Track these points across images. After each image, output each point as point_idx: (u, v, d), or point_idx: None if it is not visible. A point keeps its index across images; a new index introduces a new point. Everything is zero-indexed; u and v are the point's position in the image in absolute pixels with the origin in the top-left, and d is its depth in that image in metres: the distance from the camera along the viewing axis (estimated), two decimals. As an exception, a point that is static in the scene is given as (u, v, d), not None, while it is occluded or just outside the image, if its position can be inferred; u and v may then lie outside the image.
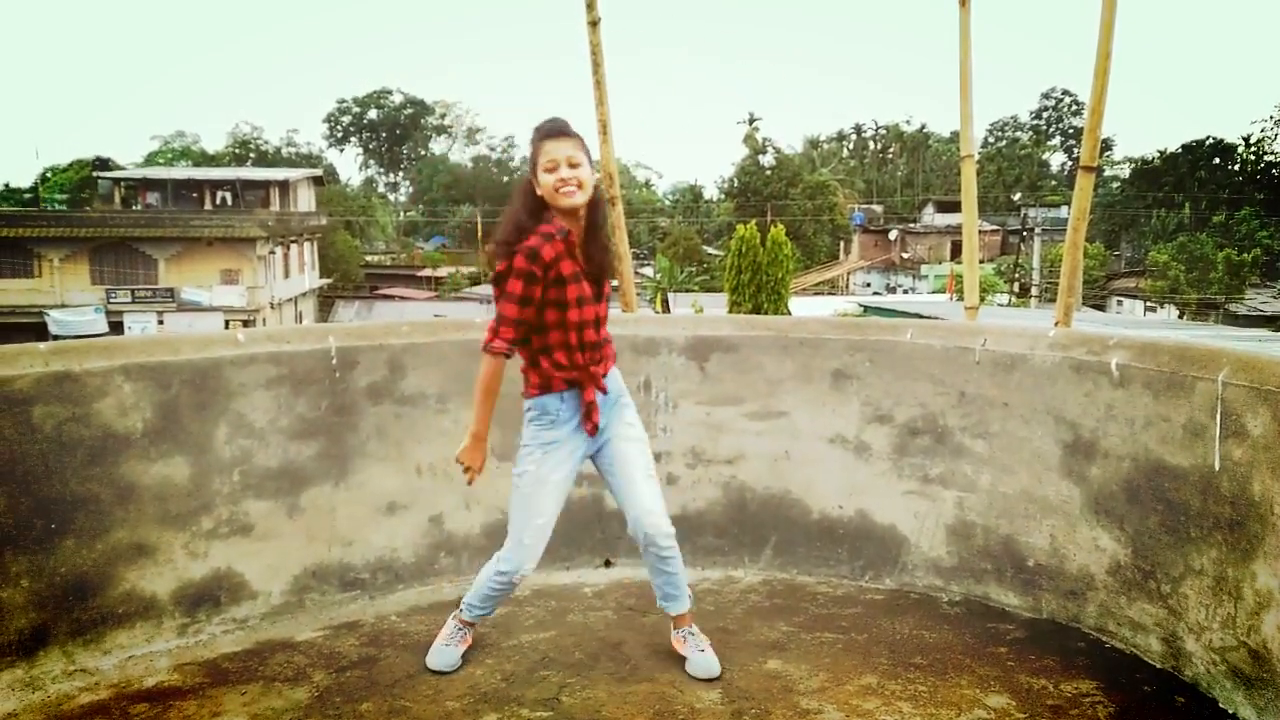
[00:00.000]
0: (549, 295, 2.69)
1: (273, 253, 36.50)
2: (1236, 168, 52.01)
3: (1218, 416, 2.78)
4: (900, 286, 52.75)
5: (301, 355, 3.43)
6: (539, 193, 2.70)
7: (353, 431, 3.52)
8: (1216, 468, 2.78)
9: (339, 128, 75.59)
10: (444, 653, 2.99)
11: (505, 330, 2.68)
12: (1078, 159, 4.09)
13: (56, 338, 29.70)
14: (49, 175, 59.71)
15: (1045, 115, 74.32)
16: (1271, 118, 52.61)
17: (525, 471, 2.82)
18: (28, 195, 55.81)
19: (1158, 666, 2.97)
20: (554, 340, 2.74)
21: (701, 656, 2.94)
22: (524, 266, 2.63)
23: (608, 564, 3.77)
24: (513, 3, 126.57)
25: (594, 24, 4.22)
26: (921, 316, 22.04)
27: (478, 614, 3.02)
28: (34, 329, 31.19)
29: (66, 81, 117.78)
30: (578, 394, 2.80)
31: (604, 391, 2.83)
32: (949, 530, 3.59)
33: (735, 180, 56.35)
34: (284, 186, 43.63)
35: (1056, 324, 3.98)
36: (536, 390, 2.80)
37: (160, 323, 33.52)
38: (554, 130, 2.70)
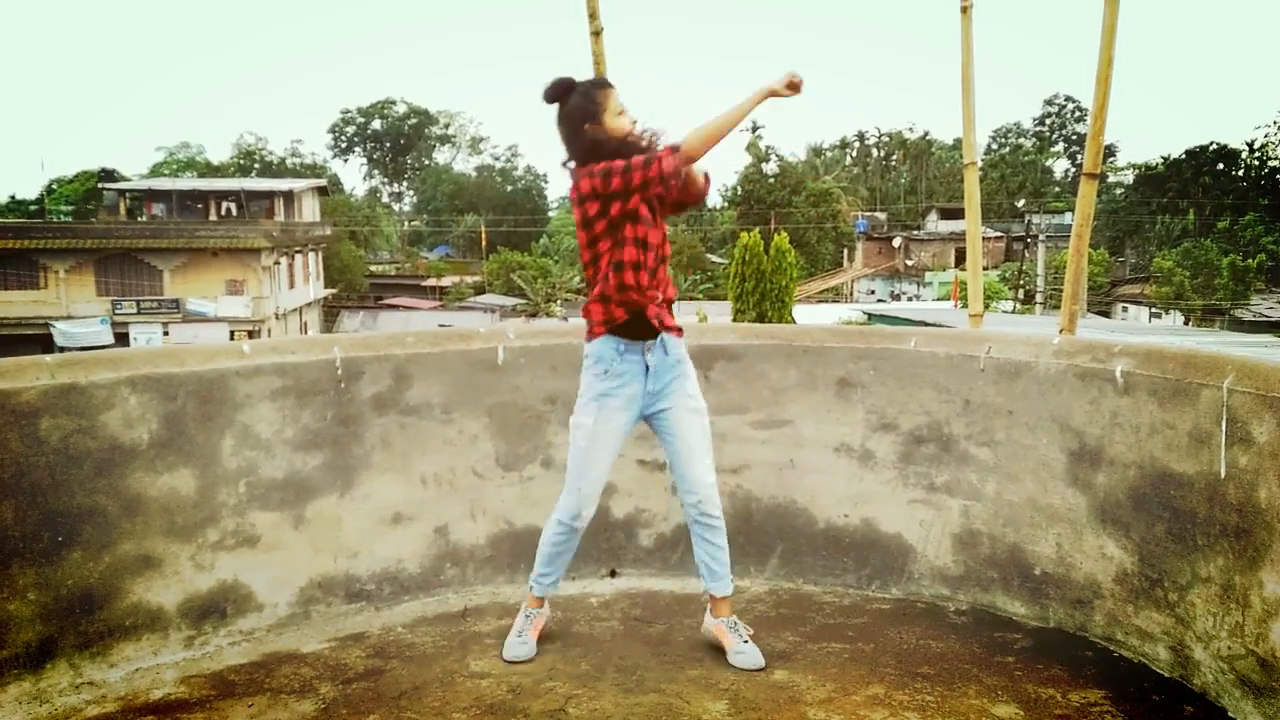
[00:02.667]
0: (619, 230, 2.84)
1: (278, 263, 36.59)
2: (1240, 173, 51.99)
3: (1223, 423, 2.78)
4: (905, 294, 52.72)
5: (307, 366, 3.44)
6: (609, 136, 2.83)
7: (358, 442, 3.52)
8: (1223, 475, 2.78)
9: (343, 138, 75.89)
10: (515, 645, 3.07)
11: (652, 153, 2.76)
12: (1081, 165, 4.09)
13: (62, 349, 29.79)
14: (55, 187, 59.97)
15: (1048, 121, 74.40)
16: (1275, 123, 52.50)
17: (581, 424, 2.95)
18: (33, 207, 56.07)
19: (1166, 675, 2.96)
20: (627, 257, 2.84)
21: (747, 648, 3.01)
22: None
23: (613, 574, 3.77)
24: (516, 11, 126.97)
25: (596, 34, 4.24)
26: (926, 324, 22.03)
27: (547, 583, 3.11)
28: (40, 340, 31.28)
29: (72, 93, 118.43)
30: (634, 333, 2.91)
31: (667, 321, 2.96)
32: (955, 539, 3.58)
33: (738, 188, 56.41)
34: (289, 197, 43.75)
35: (1061, 331, 3.98)
36: (600, 328, 2.91)
37: (165, 334, 33.61)
38: (608, 82, 2.90)
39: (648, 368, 2.94)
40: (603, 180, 2.76)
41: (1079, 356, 3.30)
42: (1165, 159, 53.69)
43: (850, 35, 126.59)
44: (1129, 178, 59.25)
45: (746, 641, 3.03)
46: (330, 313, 44.72)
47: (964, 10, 4.28)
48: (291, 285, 39.15)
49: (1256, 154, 52.24)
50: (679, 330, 3.04)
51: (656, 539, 3.79)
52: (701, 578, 3.11)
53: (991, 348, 3.55)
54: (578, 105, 2.86)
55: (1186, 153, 52.57)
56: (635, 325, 2.91)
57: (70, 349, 29.50)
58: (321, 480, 3.45)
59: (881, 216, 63.51)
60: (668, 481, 3.74)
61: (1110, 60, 3.83)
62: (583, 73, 4.30)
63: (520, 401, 3.75)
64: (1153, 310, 39.68)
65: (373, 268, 58.52)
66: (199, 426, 3.22)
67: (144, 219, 41.91)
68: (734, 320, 22.53)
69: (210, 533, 3.23)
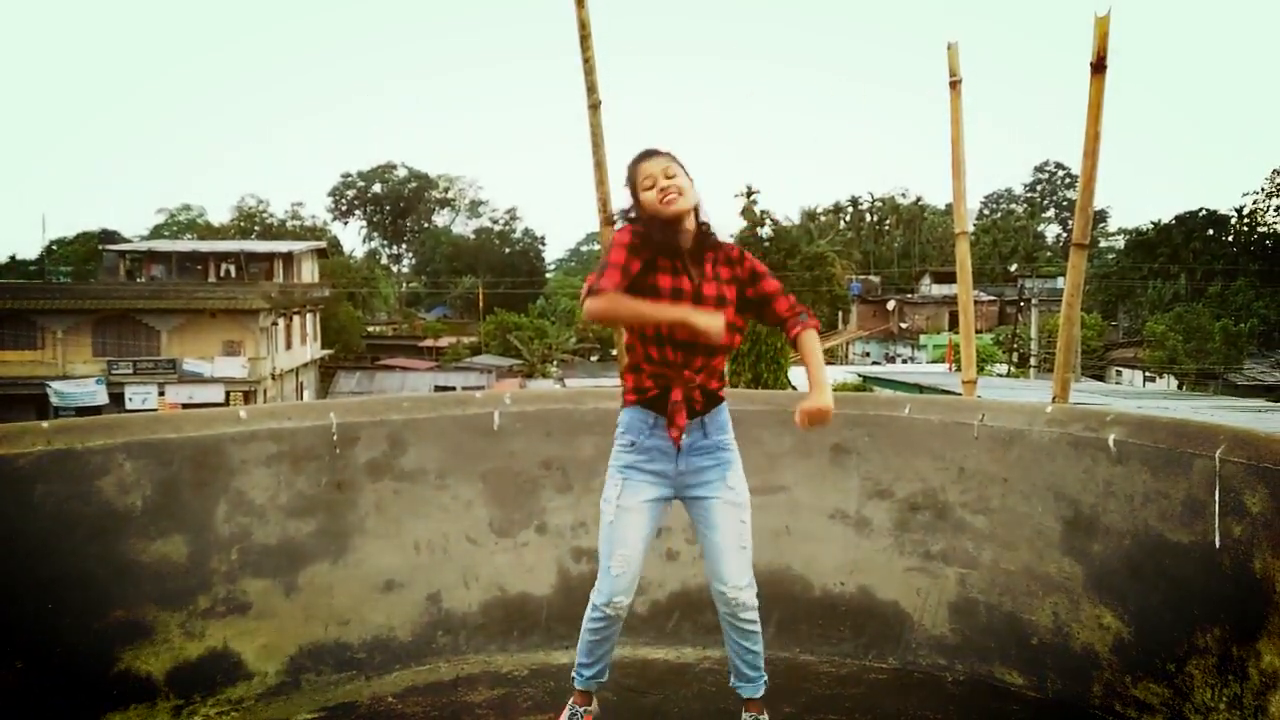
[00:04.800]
0: (645, 279, 2.67)
1: (275, 324, 36.70)
2: (1230, 239, 52.63)
3: (1216, 493, 2.79)
4: (899, 356, 52.90)
5: (302, 431, 3.45)
6: (639, 205, 2.73)
7: (352, 508, 3.51)
8: (1217, 545, 2.78)
9: (344, 201, 76.68)
10: None
11: (610, 274, 2.60)
12: (1071, 232, 4.16)
13: (58, 409, 29.71)
14: (55, 248, 60.43)
15: (1039, 188, 75.50)
16: (1264, 190, 53.35)
17: (607, 499, 2.78)
18: (33, 268, 56.40)
19: (1166, 749, 2.92)
20: (649, 329, 2.69)
21: None
22: (626, 238, 2.66)
23: (607, 642, 3.73)
24: (518, 85, 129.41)
25: (594, 107, 4.33)
26: (922, 387, 22.08)
27: (588, 675, 2.88)
28: (35, 400, 31.21)
29: (76, 155, 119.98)
30: (664, 409, 2.72)
31: (698, 406, 2.75)
32: (952, 608, 3.56)
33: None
34: (288, 259, 44.08)
35: (1054, 399, 4.01)
36: (631, 396, 2.78)
37: (161, 394, 33.55)
38: (645, 153, 2.76)
39: (679, 447, 2.76)
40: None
41: (1072, 425, 3.32)
42: (1156, 224, 54.36)
43: (845, 102, 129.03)
44: (1120, 243, 59.98)
45: None
46: (327, 373, 44.72)
47: (953, 85, 4.38)
48: (289, 346, 39.21)
49: (1245, 220, 52.94)
50: (720, 411, 2.84)
51: (651, 606, 3.75)
52: (730, 674, 2.93)
53: (985, 415, 3.57)
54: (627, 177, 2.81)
55: (1176, 218, 53.24)
56: (664, 401, 2.73)
57: (65, 409, 29.44)
58: (314, 546, 3.43)
59: (875, 280, 64.02)
60: (663, 547, 3.72)
61: (1097, 135, 3.91)
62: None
63: (515, 467, 3.75)
64: (1147, 374, 39.82)
65: (370, 328, 58.73)
66: (193, 492, 3.22)
67: (143, 280, 42.11)
68: (730, 381, 22.55)
69: (201, 600, 3.21)
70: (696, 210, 2.76)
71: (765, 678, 2.89)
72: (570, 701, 2.96)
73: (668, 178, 2.70)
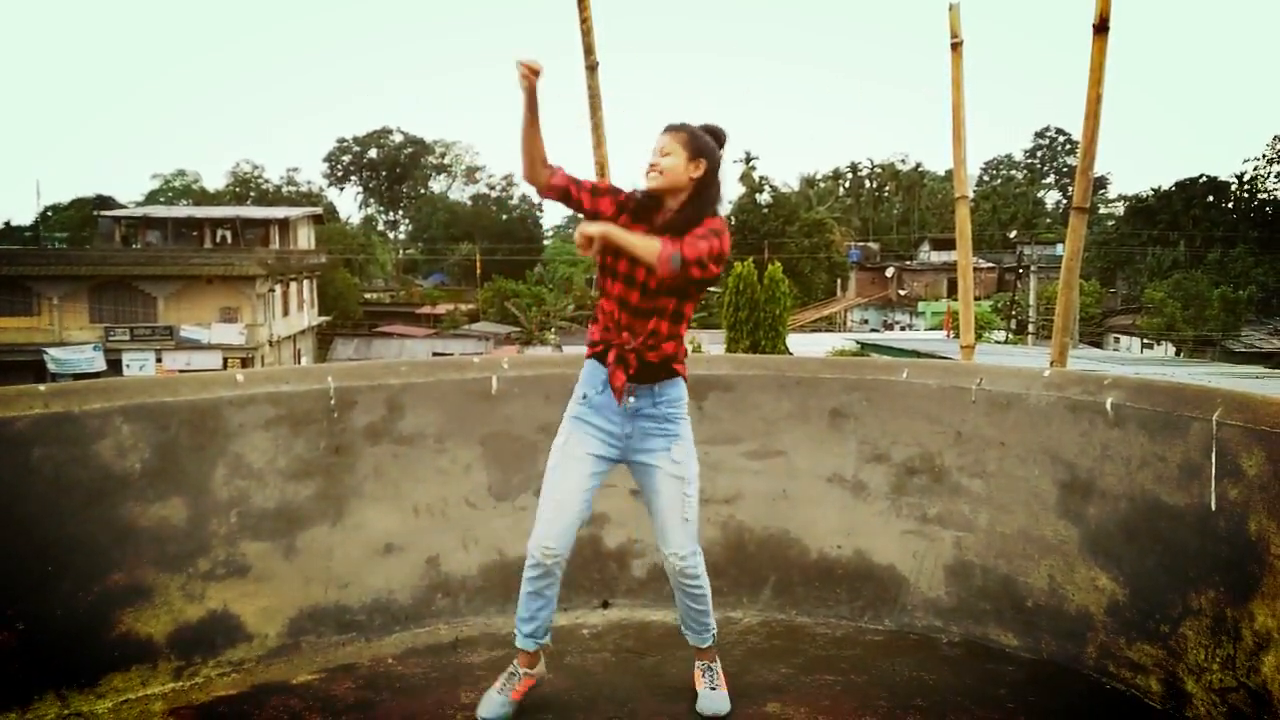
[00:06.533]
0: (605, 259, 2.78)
1: (272, 290, 36.60)
2: (1230, 205, 52.44)
3: (1213, 456, 2.79)
4: (898, 323, 52.91)
5: (300, 395, 3.44)
6: None
7: (350, 472, 3.52)
8: (1213, 508, 2.79)
9: (339, 167, 76.17)
10: (489, 700, 2.86)
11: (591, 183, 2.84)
12: (1071, 198, 4.13)
13: (55, 376, 29.69)
14: (50, 214, 60.11)
15: (1039, 154, 75.07)
16: (1264, 156, 53.07)
17: (555, 445, 2.89)
18: (28, 234, 56.14)
19: (1158, 708, 2.95)
20: (603, 289, 2.83)
21: (710, 694, 2.95)
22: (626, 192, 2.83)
23: (605, 605, 3.75)
24: (514, 43, 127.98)
25: (592, 68, 4.28)
26: (920, 354, 22.10)
27: (525, 632, 2.87)
28: (32, 367, 31.19)
29: (69, 120, 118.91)
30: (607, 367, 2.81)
31: (632, 370, 2.77)
32: (948, 570, 3.58)
33: (732, 218, 56.72)
34: (284, 225, 43.84)
35: (1052, 364, 4.01)
36: (589, 348, 2.88)
37: (159, 360, 33.54)
38: (666, 126, 2.82)
39: (628, 409, 2.81)
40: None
41: (1070, 389, 3.32)
42: (1155, 191, 54.11)
43: (845, 69, 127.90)
44: (1120, 209, 59.78)
45: (714, 688, 2.96)
46: (324, 340, 44.68)
47: (954, 47, 4.33)
48: (285, 313, 39.13)
49: (1246, 186, 52.73)
50: (673, 386, 2.85)
51: (649, 569, 3.78)
52: (680, 624, 3.05)
53: (983, 379, 3.57)
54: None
55: (1176, 185, 52.97)
56: (606, 359, 2.81)
57: (62, 375, 29.42)
58: (313, 510, 3.44)
59: (874, 247, 63.85)
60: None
61: (1099, 97, 3.87)
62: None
63: (513, 431, 3.75)
64: (1144, 341, 39.85)
65: (367, 295, 58.64)
66: (191, 456, 3.22)
67: (139, 246, 41.90)
68: (728, 349, 22.57)
69: (201, 562, 3.22)
70: (694, 195, 2.76)
71: (713, 631, 3.03)
72: (515, 660, 2.94)
73: (660, 155, 2.77)
